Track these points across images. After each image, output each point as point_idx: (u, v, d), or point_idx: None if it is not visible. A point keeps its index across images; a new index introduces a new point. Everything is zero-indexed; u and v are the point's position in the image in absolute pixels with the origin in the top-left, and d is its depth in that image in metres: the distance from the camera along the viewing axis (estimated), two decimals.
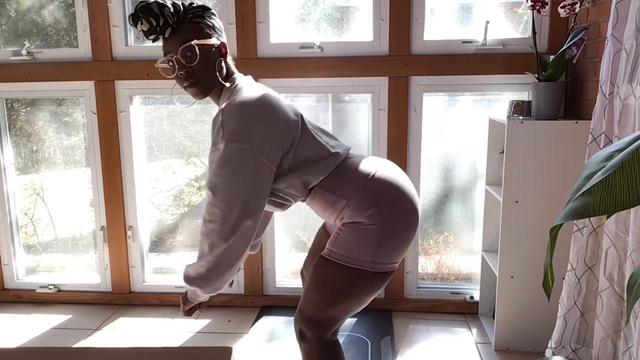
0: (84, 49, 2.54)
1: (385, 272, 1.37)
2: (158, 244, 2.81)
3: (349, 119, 2.56)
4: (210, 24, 1.38)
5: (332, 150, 1.42)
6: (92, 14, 2.47)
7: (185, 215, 2.81)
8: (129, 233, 2.67)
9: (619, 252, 1.63)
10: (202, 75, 1.36)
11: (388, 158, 2.46)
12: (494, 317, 2.27)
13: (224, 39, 1.43)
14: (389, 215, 1.35)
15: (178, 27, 1.34)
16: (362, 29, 2.44)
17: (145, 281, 2.73)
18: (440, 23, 2.42)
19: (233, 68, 1.45)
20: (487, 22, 2.32)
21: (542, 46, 2.31)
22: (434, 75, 2.39)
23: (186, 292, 1.45)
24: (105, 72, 2.52)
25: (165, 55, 1.35)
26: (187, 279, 1.36)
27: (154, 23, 1.30)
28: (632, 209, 1.40)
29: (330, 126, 2.59)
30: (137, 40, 2.57)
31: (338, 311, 1.38)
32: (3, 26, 2.63)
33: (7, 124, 2.72)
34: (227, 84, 1.41)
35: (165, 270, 2.80)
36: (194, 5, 1.37)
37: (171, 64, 1.34)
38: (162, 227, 2.81)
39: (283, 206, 1.49)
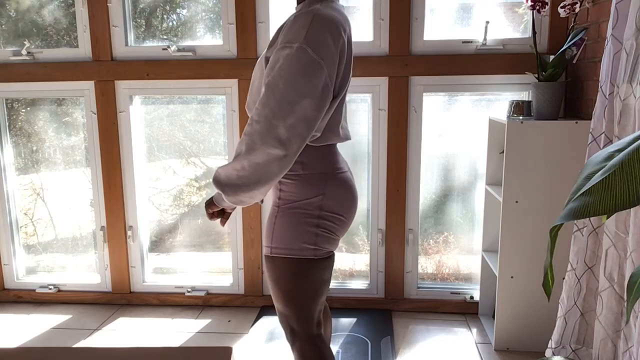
0: (84, 49, 2.54)
1: (330, 256, 1.39)
2: (158, 244, 2.81)
3: (349, 119, 2.56)
4: None
5: (341, 130, 1.41)
6: (92, 14, 2.47)
7: (185, 215, 2.81)
8: (129, 233, 2.67)
9: (619, 252, 1.63)
10: None
11: (388, 158, 2.46)
12: (494, 317, 2.27)
13: None
14: (329, 205, 1.35)
15: None
16: (362, 29, 2.44)
17: (145, 281, 2.73)
18: (440, 23, 2.42)
19: None
20: (487, 22, 2.32)
21: (542, 46, 2.31)
22: (434, 75, 2.39)
23: (213, 195, 1.38)
24: (105, 72, 2.52)
25: None
26: (216, 181, 1.28)
27: None
28: (632, 209, 1.40)
29: None
30: (137, 40, 2.57)
31: (303, 302, 1.38)
32: (3, 26, 2.63)
33: (7, 124, 2.72)
34: None
35: (165, 270, 2.80)
36: None
37: None
38: (162, 227, 2.81)
39: None
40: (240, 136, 2.51)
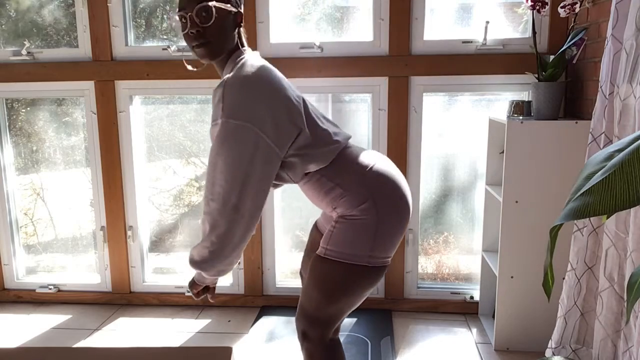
0: (84, 49, 2.54)
1: (382, 266, 1.38)
2: (158, 244, 2.81)
3: (349, 119, 2.56)
4: None
5: (334, 138, 1.41)
6: (92, 14, 2.47)
7: (185, 215, 2.81)
8: (129, 233, 2.67)
9: (619, 252, 1.63)
10: (213, 38, 1.32)
11: (388, 158, 2.46)
12: (494, 317, 2.27)
13: (241, 10, 1.39)
14: (383, 209, 1.35)
15: None
16: (362, 29, 2.44)
17: (145, 281, 2.73)
18: (440, 23, 2.42)
19: (244, 41, 1.42)
20: (487, 22, 2.32)
21: (542, 46, 2.31)
22: (434, 75, 2.39)
23: (193, 276, 1.44)
24: (105, 72, 2.52)
25: (179, 10, 1.32)
26: (192, 262, 1.34)
27: None
28: (632, 209, 1.40)
29: None
30: (137, 40, 2.57)
31: (339, 308, 1.38)
32: (3, 26, 2.63)
33: (7, 124, 2.72)
34: (234, 55, 1.38)
35: (165, 270, 2.80)
36: None
37: (184, 20, 1.32)
38: (162, 227, 2.81)
39: (275, 187, 1.49)
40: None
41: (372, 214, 1.33)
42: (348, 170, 1.38)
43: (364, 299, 1.42)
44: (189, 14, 1.30)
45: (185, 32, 1.33)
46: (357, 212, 1.34)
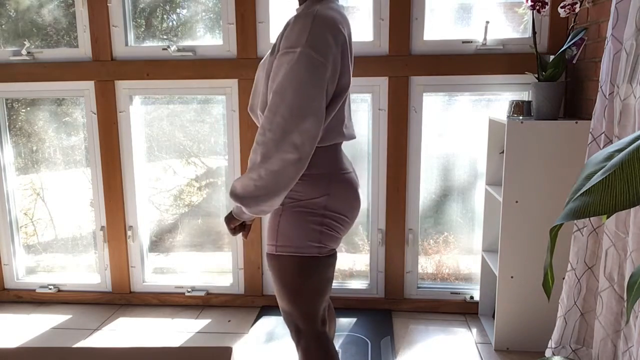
0: (84, 49, 2.54)
1: (334, 254, 1.40)
2: (158, 244, 2.81)
3: None
4: None
5: (345, 130, 1.41)
6: (92, 14, 2.47)
7: (185, 215, 2.81)
8: (129, 233, 2.67)
9: (619, 252, 1.63)
10: None
11: (388, 158, 2.46)
12: (494, 317, 2.27)
13: None
14: (333, 206, 1.36)
15: None
16: (362, 29, 2.44)
17: (145, 281, 2.73)
18: (440, 23, 2.42)
19: None
20: (487, 22, 2.32)
21: (542, 46, 2.31)
22: (434, 75, 2.39)
23: (232, 210, 1.39)
24: (105, 72, 2.52)
25: None
26: (233, 195, 1.28)
27: None
28: (632, 209, 1.40)
29: None
30: (137, 40, 2.57)
31: (309, 299, 1.39)
32: (3, 26, 2.63)
33: (7, 124, 2.72)
34: None
35: (165, 270, 2.80)
36: None
37: None
38: (162, 227, 2.81)
39: None
40: (242, 138, 2.51)
41: (321, 209, 1.34)
42: (327, 160, 1.37)
43: (331, 282, 1.43)
44: None
45: None
46: (308, 203, 1.34)
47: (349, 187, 1.41)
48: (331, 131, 1.36)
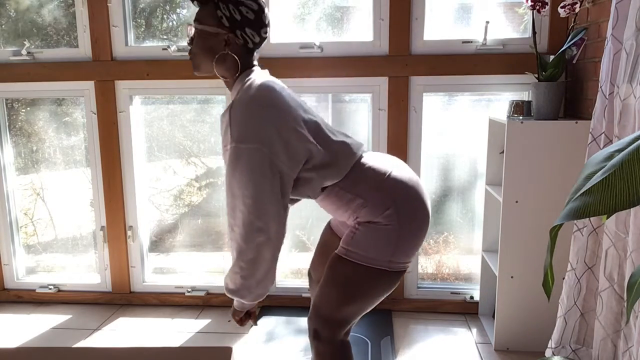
0: (84, 49, 2.54)
1: (401, 270, 1.39)
2: (158, 244, 2.81)
3: (349, 119, 2.56)
4: (225, 14, 1.33)
5: (349, 150, 1.41)
6: (92, 14, 2.47)
7: (185, 215, 2.81)
8: (129, 233, 2.67)
9: (619, 252, 1.63)
10: (195, 55, 1.40)
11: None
12: (494, 317, 2.27)
13: (245, 32, 1.36)
14: (405, 215, 1.35)
15: (203, 4, 1.37)
16: (362, 29, 2.44)
17: (145, 281, 2.73)
18: (440, 23, 2.42)
19: (252, 61, 1.41)
20: (487, 22, 2.32)
21: (542, 46, 2.31)
22: (434, 75, 2.39)
23: (234, 304, 1.44)
24: (105, 72, 2.52)
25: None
26: (228, 290, 1.36)
27: None
28: (632, 209, 1.40)
29: None
30: (137, 40, 2.57)
31: (354, 310, 1.39)
32: (3, 26, 2.63)
33: (7, 124, 2.72)
34: (242, 76, 1.38)
35: (165, 270, 2.80)
36: None
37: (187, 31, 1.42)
38: (162, 227, 2.81)
39: (292, 202, 1.49)
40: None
41: (394, 221, 1.34)
42: (366, 179, 1.39)
43: (379, 302, 1.42)
44: (189, 25, 1.40)
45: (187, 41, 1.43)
46: (380, 219, 1.35)
47: (402, 183, 1.39)
48: (341, 159, 1.37)
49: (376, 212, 1.35)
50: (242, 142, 1.26)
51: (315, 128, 1.38)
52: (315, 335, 1.42)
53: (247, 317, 1.47)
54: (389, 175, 1.40)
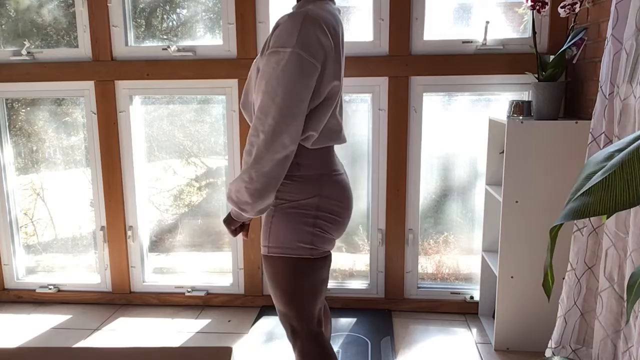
0: (84, 49, 2.54)
1: (326, 256, 1.39)
2: (158, 244, 2.81)
3: (349, 119, 2.56)
4: None
5: (337, 133, 1.41)
6: (92, 14, 2.47)
7: (185, 215, 2.81)
8: (129, 233, 2.67)
9: (619, 252, 1.63)
10: None
11: (388, 158, 2.46)
12: (494, 317, 2.27)
13: None
14: (325, 207, 1.36)
15: None
16: (362, 29, 2.44)
17: (145, 281, 2.73)
18: (440, 23, 2.42)
19: None
20: (487, 22, 2.32)
21: (542, 46, 2.31)
22: (434, 75, 2.39)
23: (230, 212, 1.40)
24: (105, 72, 2.52)
25: None
26: (230, 199, 1.31)
27: None
28: (632, 209, 1.40)
29: None
30: (137, 40, 2.57)
31: (304, 299, 1.39)
32: (3, 26, 2.63)
33: (7, 124, 2.72)
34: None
35: (165, 270, 2.80)
36: None
37: None
38: (162, 227, 2.81)
39: None
40: (242, 138, 2.51)
41: (313, 209, 1.34)
42: (319, 161, 1.38)
43: (325, 283, 1.43)
44: None
45: None
46: (299, 204, 1.34)
47: (341, 188, 1.41)
48: (325, 134, 1.37)
49: (302, 194, 1.34)
50: (307, 52, 1.23)
51: (337, 91, 1.37)
52: (293, 332, 1.43)
53: (241, 229, 1.45)
54: (339, 175, 1.41)
